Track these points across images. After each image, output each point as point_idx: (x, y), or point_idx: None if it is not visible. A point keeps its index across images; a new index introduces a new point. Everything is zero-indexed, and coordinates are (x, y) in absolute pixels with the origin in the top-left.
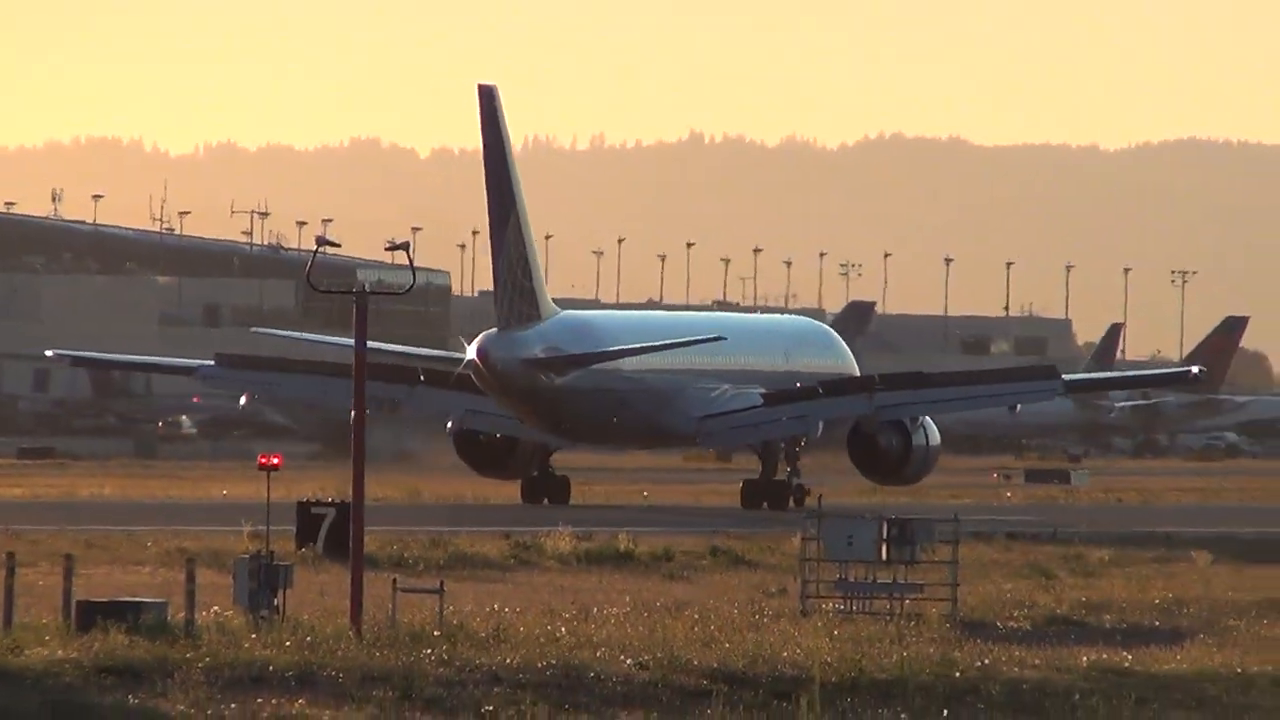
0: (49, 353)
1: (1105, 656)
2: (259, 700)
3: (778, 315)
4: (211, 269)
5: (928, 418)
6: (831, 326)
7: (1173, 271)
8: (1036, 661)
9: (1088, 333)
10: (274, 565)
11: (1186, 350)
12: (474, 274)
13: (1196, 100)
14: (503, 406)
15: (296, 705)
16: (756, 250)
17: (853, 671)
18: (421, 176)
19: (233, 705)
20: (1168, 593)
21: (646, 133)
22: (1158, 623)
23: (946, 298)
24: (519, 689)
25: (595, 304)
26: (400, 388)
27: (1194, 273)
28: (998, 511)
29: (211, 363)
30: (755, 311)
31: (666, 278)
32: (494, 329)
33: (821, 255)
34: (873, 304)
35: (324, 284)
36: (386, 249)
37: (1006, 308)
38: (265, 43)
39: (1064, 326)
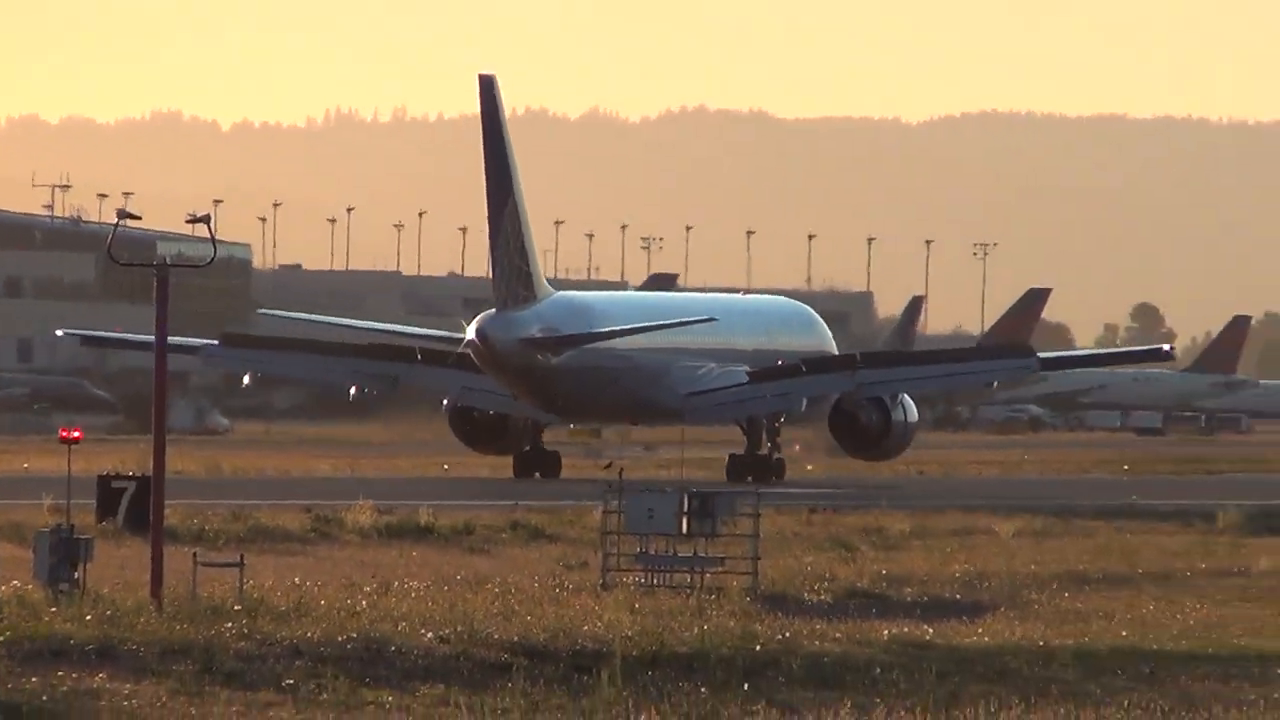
0: (59, 332)
1: (906, 630)
2: (59, 674)
3: (762, 296)
4: (12, 242)
5: (906, 395)
6: None
7: (974, 244)
8: (837, 635)
9: (889, 305)
10: (74, 539)
11: (989, 323)
12: (275, 247)
13: (997, 72)
14: (500, 384)
15: (97, 679)
16: (558, 223)
17: (653, 645)
18: (223, 149)
19: (32, 679)
20: (968, 566)
21: (449, 105)
22: (958, 596)
23: (749, 270)
24: (320, 662)
25: (397, 276)
26: (399, 365)
27: (995, 245)
28: (800, 485)
29: (215, 342)
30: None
31: (468, 249)
32: (493, 309)
33: (623, 228)
34: (675, 276)
35: (125, 257)
36: (187, 222)
37: (808, 280)
38: (67, 14)
39: (865, 299)
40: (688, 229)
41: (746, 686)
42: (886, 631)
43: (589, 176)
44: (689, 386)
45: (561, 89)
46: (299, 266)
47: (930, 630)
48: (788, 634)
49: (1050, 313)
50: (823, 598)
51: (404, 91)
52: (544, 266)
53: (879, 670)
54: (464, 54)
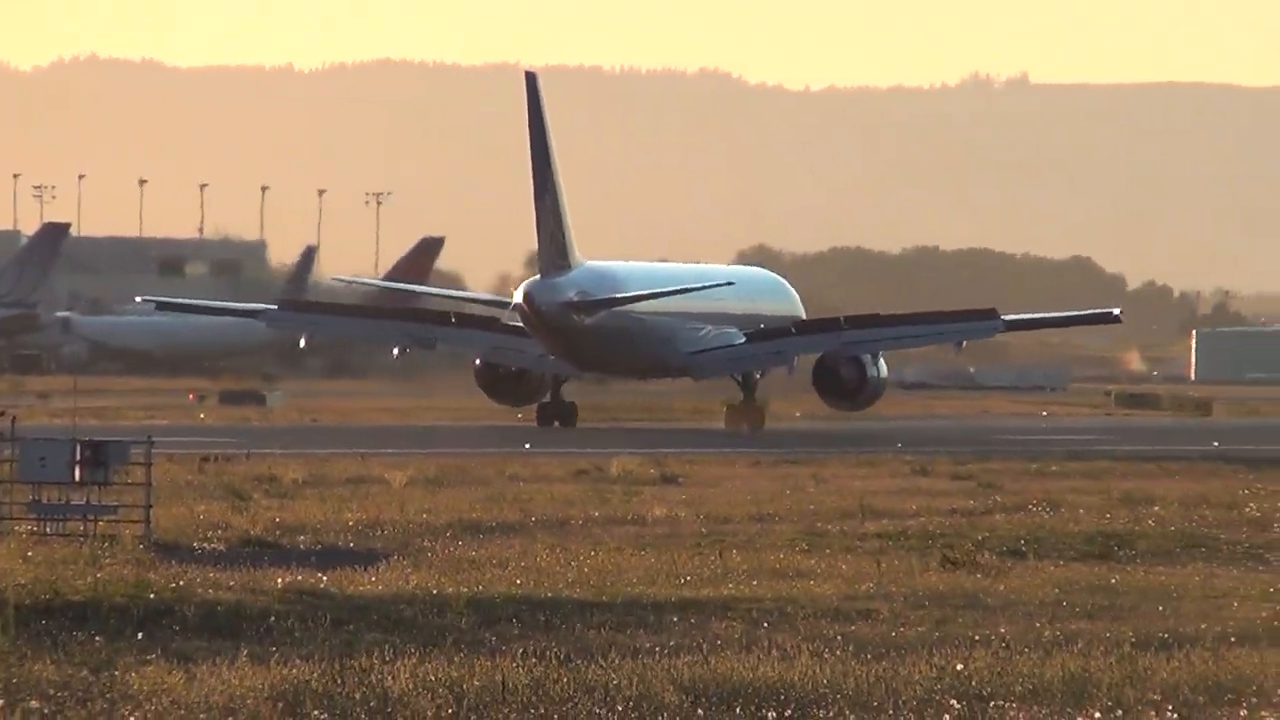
0: (138, 299)
1: (300, 578)
2: None
3: (745, 268)
4: None
5: (880, 353)
6: (25, 250)
7: (367, 193)
8: (232, 583)
9: (282, 254)
10: None
11: (383, 271)
12: None
13: (393, 20)
14: (540, 342)
15: None
16: None
17: (47, 594)
18: None
19: None
20: (362, 514)
21: None
22: (352, 544)
23: (141, 219)
24: None
25: None
26: (437, 328)
27: (389, 194)
28: (193, 433)
29: (275, 307)
30: None
31: None
32: (537, 276)
33: (16, 177)
34: (67, 226)
35: None
36: None
37: (201, 229)
38: None
39: (259, 248)
40: (80, 178)
41: (141, 635)
42: (280, 580)
43: None
44: (693, 346)
45: None
46: None
47: (325, 579)
48: (181, 583)
49: (444, 261)
50: (217, 546)
51: None
52: None
53: (274, 619)
54: None
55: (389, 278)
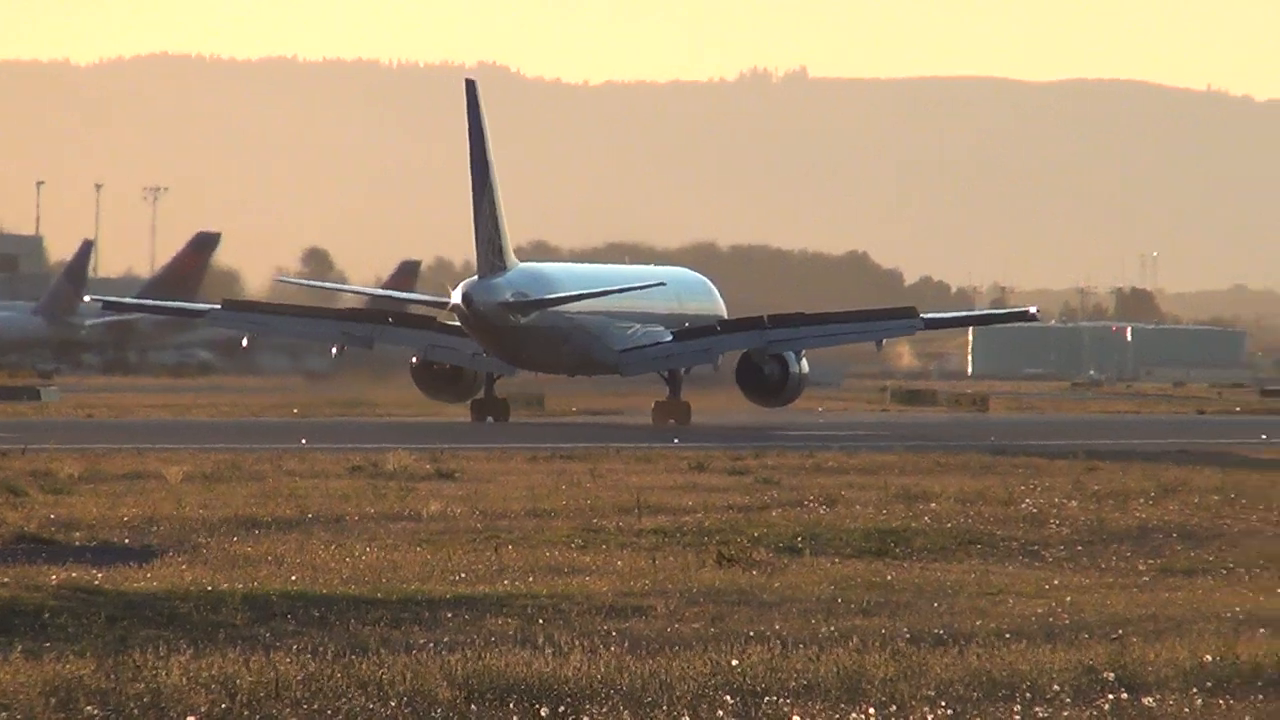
0: (87, 297)
1: (75, 575)
2: None
3: (669, 268)
4: None
5: (803, 351)
6: None
7: (144, 188)
8: (5, 580)
9: (60, 250)
10: None
11: (159, 265)
12: None
13: (168, 14)
14: (478, 340)
15: None
16: None
17: None
18: None
19: None
20: (138, 510)
21: None
22: (128, 540)
23: None
24: None
25: None
26: (375, 327)
27: (166, 189)
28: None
29: (219, 306)
30: None
31: None
32: (475, 277)
33: None
34: None
35: None
36: None
37: None
38: None
39: (35, 244)
40: None
41: None
42: (55, 576)
43: None
44: (623, 344)
45: None
46: None
47: (100, 575)
48: None
49: (221, 257)
50: None
51: None
52: None
53: (48, 615)
54: None
55: (164, 273)
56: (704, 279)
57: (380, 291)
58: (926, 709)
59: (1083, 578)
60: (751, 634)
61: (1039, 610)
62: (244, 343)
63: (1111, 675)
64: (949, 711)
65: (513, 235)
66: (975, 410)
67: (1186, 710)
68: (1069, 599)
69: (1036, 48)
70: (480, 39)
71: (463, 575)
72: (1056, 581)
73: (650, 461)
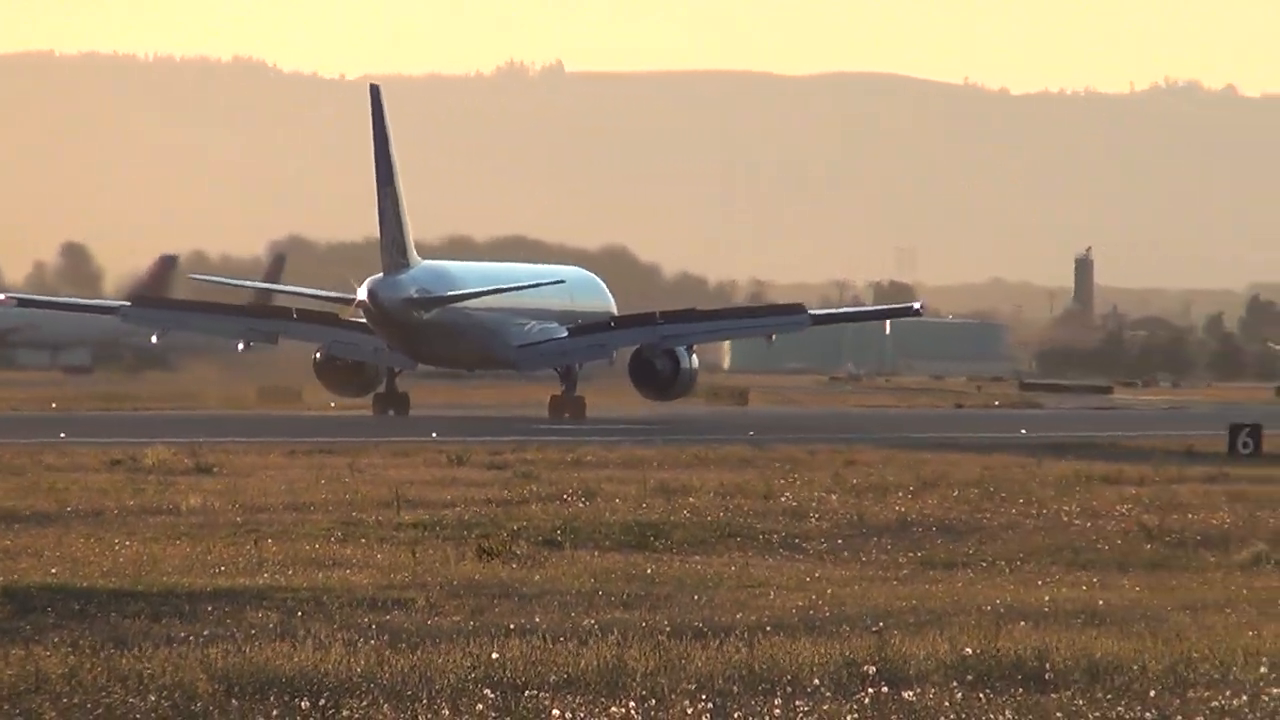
0: (1, 295)
1: None
2: None
3: (561, 267)
4: None
5: (693, 347)
6: None
7: None
8: None
9: None
10: None
11: None
12: None
13: None
14: (382, 335)
15: None
16: None
17: None
18: None
19: None
20: None
21: None
22: None
23: None
24: None
25: None
26: (278, 322)
27: None
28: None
29: (129, 303)
30: None
31: None
32: (380, 274)
33: None
34: None
35: None
36: None
37: None
38: None
39: None
40: None
41: None
42: None
43: None
44: (520, 340)
45: None
46: None
47: None
48: None
49: None
50: None
51: None
52: None
53: None
54: None
55: None
56: (595, 278)
57: (288, 289)
58: (687, 702)
59: (843, 570)
60: (512, 627)
61: (799, 603)
62: (153, 339)
63: (872, 668)
64: (709, 705)
65: (266, 229)
66: (735, 404)
67: (947, 703)
68: (829, 592)
69: (794, 41)
70: (236, 33)
71: (223, 568)
72: (817, 574)
73: (409, 455)
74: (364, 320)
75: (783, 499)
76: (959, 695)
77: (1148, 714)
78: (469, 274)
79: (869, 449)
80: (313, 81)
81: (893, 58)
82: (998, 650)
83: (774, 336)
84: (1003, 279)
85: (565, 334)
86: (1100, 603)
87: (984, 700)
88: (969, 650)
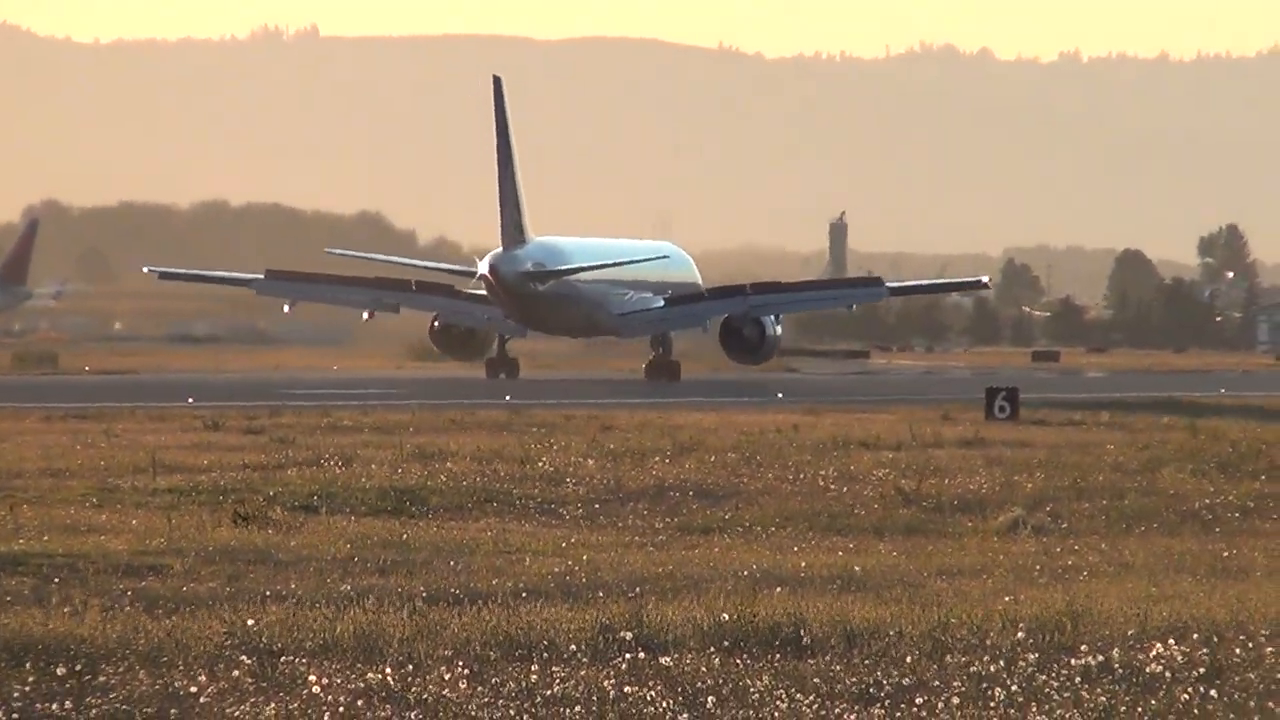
0: (145, 269)
1: None
2: None
3: (655, 242)
4: None
5: (779, 316)
6: None
7: None
8: None
9: None
10: None
11: None
12: None
13: None
14: (500, 305)
15: None
16: None
17: None
18: None
19: None
20: None
21: None
22: None
23: None
24: None
25: None
26: (402, 294)
27: None
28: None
29: (262, 276)
30: None
31: None
32: (500, 249)
33: None
34: None
35: None
36: None
37: None
38: None
39: None
40: None
41: None
42: None
43: None
44: (622, 309)
45: None
46: None
47: None
48: None
49: None
50: None
51: None
52: None
53: None
54: None
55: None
56: (685, 253)
57: (419, 263)
58: (444, 668)
59: (600, 536)
60: (268, 593)
61: (556, 569)
62: (285, 308)
63: (629, 634)
64: (466, 671)
65: (21, 194)
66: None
67: (704, 669)
68: (586, 557)
69: (550, 5)
70: None
71: None
72: (574, 540)
73: (165, 420)
74: (477, 292)
75: (540, 464)
76: (716, 661)
77: (905, 679)
78: (577, 249)
79: (626, 413)
80: (66, 45)
81: (647, 21)
82: (755, 616)
83: (854, 307)
84: (755, 243)
85: (662, 303)
86: (857, 568)
87: (741, 666)
88: (726, 616)
